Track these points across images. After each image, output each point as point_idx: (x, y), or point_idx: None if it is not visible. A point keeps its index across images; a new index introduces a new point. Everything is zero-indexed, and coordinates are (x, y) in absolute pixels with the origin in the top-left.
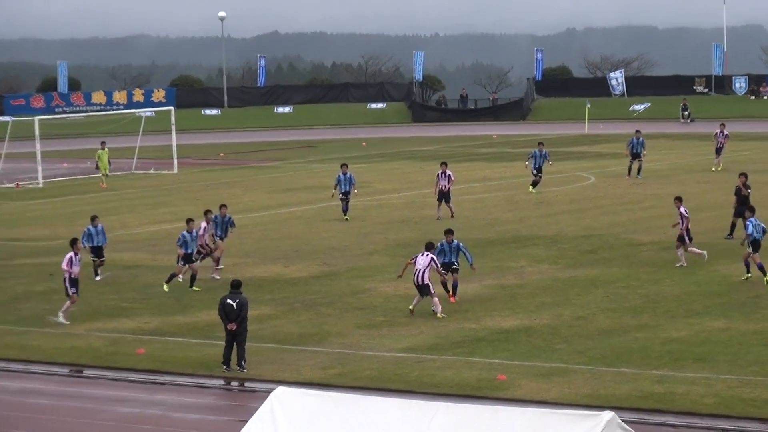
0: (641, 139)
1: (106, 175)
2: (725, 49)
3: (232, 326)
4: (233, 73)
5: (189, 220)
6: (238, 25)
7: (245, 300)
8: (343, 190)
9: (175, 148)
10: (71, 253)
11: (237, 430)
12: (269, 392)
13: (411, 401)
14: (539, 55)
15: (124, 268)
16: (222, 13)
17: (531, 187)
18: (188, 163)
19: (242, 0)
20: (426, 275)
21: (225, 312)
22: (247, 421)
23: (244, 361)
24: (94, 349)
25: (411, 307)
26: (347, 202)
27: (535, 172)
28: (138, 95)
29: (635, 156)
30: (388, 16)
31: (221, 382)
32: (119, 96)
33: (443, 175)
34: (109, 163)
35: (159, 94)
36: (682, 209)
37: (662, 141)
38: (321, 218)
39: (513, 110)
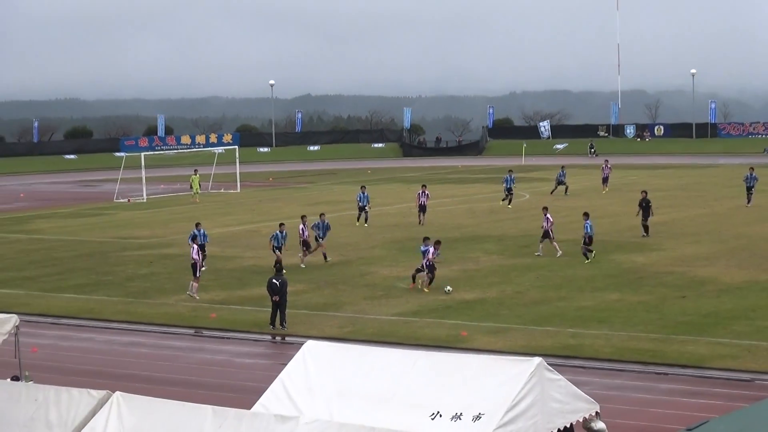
0: (564, 171)
1: (198, 193)
2: (620, 106)
3: (276, 298)
4: (279, 123)
5: (281, 224)
6: (283, 89)
7: (286, 280)
8: (361, 204)
9: (238, 175)
10: (196, 247)
11: (280, 371)
12: (302, 344)
13: (401, 350)
14: (491, 111)
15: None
16: (272, 81)
17: (502, 201)
18: (247, 185)
19: (285, 71)
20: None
21: (271, 288)
22: (286, 364)
23: (285, 322)
24: (181, 314)
25: (421, 285)
26: (366, 214)
27: (506, 192)
28: (213, 138)
29: (560, 183)
30: (386, 83)
31: (269, 337)
32: (200, 138)
33: (423, 193)
34: (200, 185)
35: (228, 137)
36: (548, 215)
37: (576, 170)
38: (339, 223)
39: (473, 148)
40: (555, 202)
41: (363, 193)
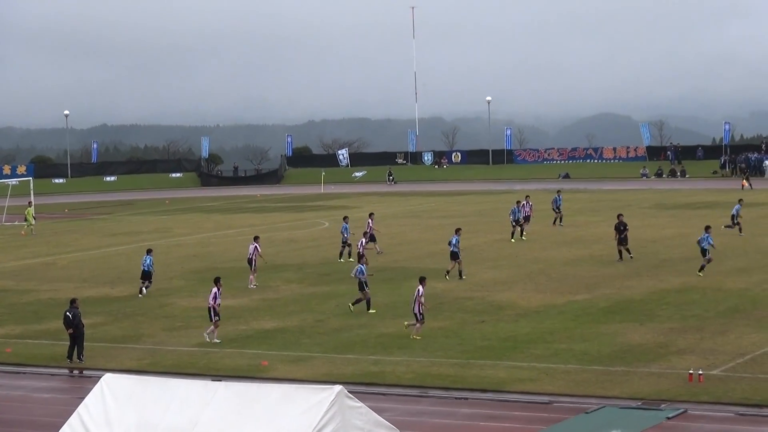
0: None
1: (32, 225)
2: (417, 133)
3: (70, 331)
4: (75, 153)
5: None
6: (78, 119)
7: (78, 312)
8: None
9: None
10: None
11: (78, 405)
12: (100, 377)
13: (201, 381)
14: (289, 139)
15: None
16: (66, 111)
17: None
18: (43, 217)
19: (80, 102)
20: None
21: (66, 321)
22: (84, 398)
23: (82, 356)
24: None
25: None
26: (349, 248)
27: (513, 223)
28: (6, 170)
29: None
30: (183, 112)
31: (66, 371)
32: None
33: (527, 203)
34: (34, 217)
35: (22, 169)
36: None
37: (375, 197)
38: (137, 254)
39: (271, 177)
40: (355, 231)
41: (346, 225)
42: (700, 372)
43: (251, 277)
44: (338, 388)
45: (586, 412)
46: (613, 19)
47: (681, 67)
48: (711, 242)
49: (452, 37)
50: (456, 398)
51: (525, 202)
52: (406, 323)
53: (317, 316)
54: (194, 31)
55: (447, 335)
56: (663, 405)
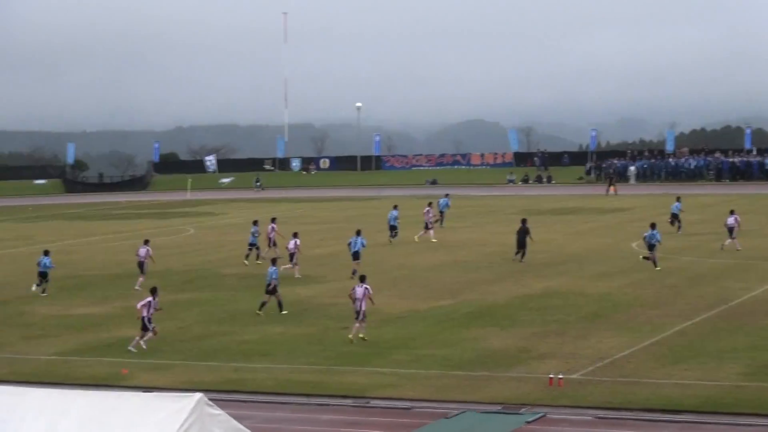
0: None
1: None
2: (286, 139)
3: None
4: None
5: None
6: None
7: None
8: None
9: None
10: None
11: None
12: None
13: (59, 390)
14: (156, 145)
15: None
16: None
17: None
18: None
19: None
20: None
21: None
22: None
23: None
24: None
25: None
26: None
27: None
28: None
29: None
30: (49, 117)
31: None
32: None
33: (428, 212)
34: None
35: None
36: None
37: (242, 203)
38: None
39: (137, 183)
40: (221, 238)
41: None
42: (560, 376)
43: (140, 279)
44: (198, 395)
45: (447, 417)
46: (482, 26)
47: (550, 74)
48: None
49: (324, 43)
50: (317, 405)
51: (427, 209)
52: (358, 335)
53: (179, 323)
54: (59, 34)
55: (310, 342)
56: (523, 409)
